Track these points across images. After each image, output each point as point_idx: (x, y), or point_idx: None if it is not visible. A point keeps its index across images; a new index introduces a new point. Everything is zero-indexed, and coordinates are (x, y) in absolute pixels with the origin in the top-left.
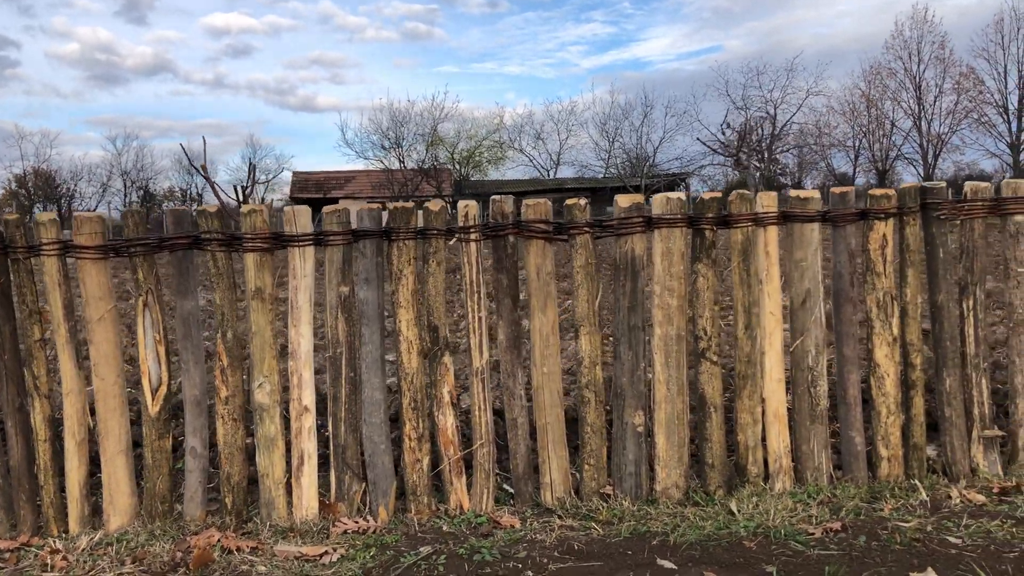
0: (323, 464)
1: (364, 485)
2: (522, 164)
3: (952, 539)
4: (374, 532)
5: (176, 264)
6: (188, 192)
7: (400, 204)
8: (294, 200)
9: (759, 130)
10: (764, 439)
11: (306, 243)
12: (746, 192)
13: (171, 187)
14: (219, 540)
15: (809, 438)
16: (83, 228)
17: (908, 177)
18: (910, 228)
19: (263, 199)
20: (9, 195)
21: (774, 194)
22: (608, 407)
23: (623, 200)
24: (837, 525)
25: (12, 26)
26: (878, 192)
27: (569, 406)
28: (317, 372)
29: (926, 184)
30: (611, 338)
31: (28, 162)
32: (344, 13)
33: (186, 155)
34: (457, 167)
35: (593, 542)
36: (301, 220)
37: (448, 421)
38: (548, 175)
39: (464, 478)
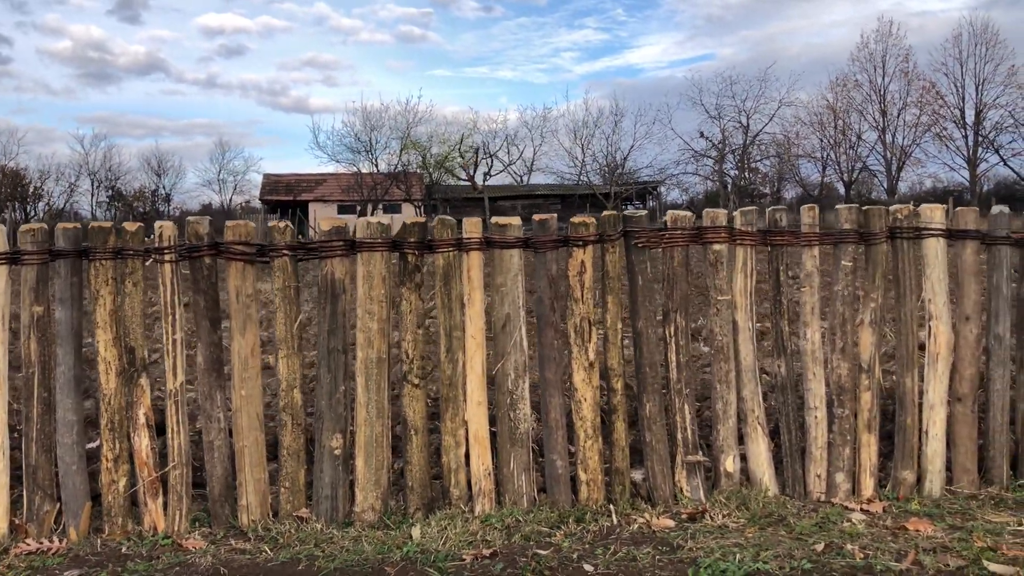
0: None
1: (58, 505)
2: (496, 170)
3: (587, 567)
4: (56, 553)
5: None
6: (157, 193)
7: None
8: (263, 202)
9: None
10: (470, 462)
11: None
12: (447, 218)
13: (141, 187)
14: None
15: (509, 461)
16: None
17: (879, 189)
18: (610, 255)
19: (231, 201)
20: None
21: (477, 220)
22: (311, 430)
23: (324, 223)
24: (488, 552)
25: (4, 22)
26: (577, 220)
27: (272, 429)
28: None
29: (627, 213)
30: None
31: None
32: (338, 15)
33: None
34: (429, 172)
35: (244, 567)
36: None
37: (143, 443)
38: (522, 181)
39: (160, 500)
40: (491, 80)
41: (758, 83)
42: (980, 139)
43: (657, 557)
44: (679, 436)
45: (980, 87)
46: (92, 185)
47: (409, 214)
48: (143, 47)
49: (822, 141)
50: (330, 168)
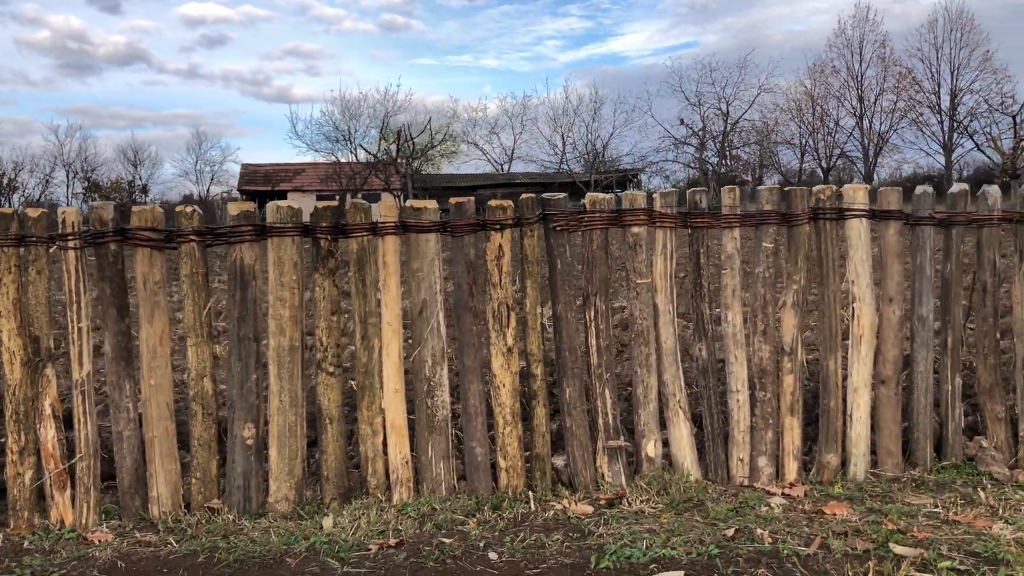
0: None
1: None
2: (477, 158)
3: (492, 555)
4: None
5: None
6: (134, 183)
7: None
8: (241, 193)
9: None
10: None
11: None
12: (361, 202)
13: (118, 178)
14: None
15: (427, 449)
16: None
17: (859, 176)
18: (529, 239)
19: (208, 191)
20: None
21: (392, 203)
22: (226, 420)
23: (232, 208)
24: (395, 541)
25: None
26: (494, 203)
27: (185, 418)
28: None
29: (545, 196)
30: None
31: None
32: (320, 4)
33: None
34: (408, 161)
35: (144, 560)
36: None
37: (49, 434)
38: (503, 170)
39: (67, 492)
40: (475, 68)
41: (737, 70)
42: (955, 125)
43: (566, 544)
44: (600, 421)
45: (955, 72)
46: (67, 176)
47: (389, 203)
48: (123, 37)
49: (800, 128)
50: (309, 158)
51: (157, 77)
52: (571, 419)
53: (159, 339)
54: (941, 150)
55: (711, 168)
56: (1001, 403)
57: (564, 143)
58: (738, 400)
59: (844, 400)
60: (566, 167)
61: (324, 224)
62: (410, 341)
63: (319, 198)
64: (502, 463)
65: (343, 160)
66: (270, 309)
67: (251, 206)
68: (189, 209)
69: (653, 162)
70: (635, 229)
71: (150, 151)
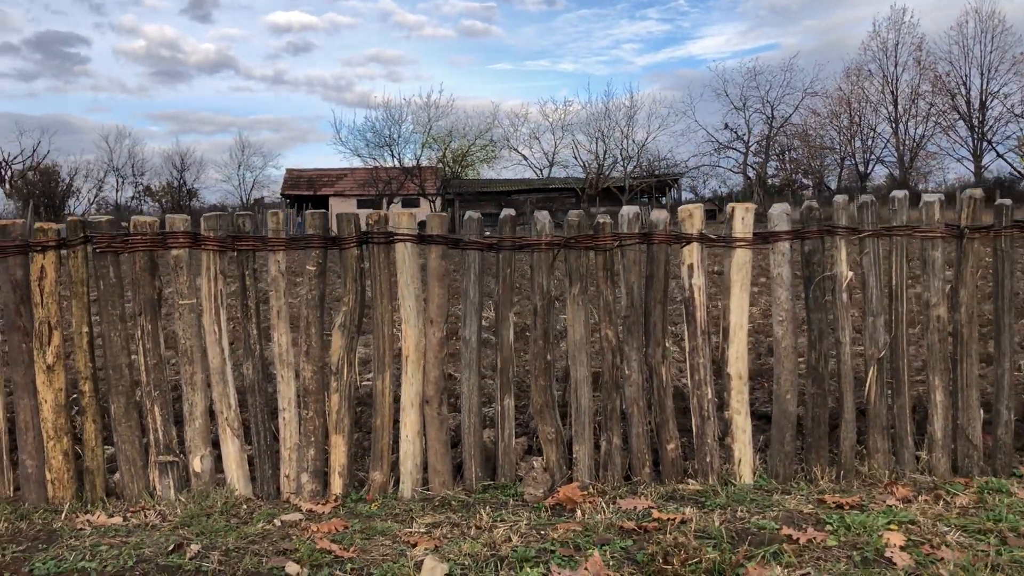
0: None
1: None
2: (518, 163)
3: None
4: None
5: None
6: (182, 188)
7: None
8: (284, 197)
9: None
10: None
11: None
12: None
13: (169, 183)
14: None
15: None
16: None
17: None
18: (73, 260)
19: (250, 195)
20: (12, 191)
21: None
22: None
23: None
24: None
25: (83, 23)
26: (39, 225)
27: None
28: None
29: (89, 219)
30: None
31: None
32: (403, 11)
33: None
34: (447, 166)
35: None
36: None
37: None
38: (543, 175)
39: None
40: (552, 73)
41: (782, 73)
42: (983, 132)
43: (15, 555)
44: (152, 437)
45: (985, 76)
46: (117, 181)
47: (425, 209)
48: (213, 45)
49: (839, 133)
50: (356, 162)
51: (244, 83)
52: (118, 435)
53: None
54: (971, 157)
55: (756, 172)
56: (552, 424)
57: (603, 148)
58: (284, 418)
59: (396, 419)
60: (605, 171)
61: None
62: None
63: (359, 203)
64: (48, 476)
65: (386, 165)
66: None
67: None
68: None
69: (694, 167)
70: (175, 251)
71: (195, 157)
